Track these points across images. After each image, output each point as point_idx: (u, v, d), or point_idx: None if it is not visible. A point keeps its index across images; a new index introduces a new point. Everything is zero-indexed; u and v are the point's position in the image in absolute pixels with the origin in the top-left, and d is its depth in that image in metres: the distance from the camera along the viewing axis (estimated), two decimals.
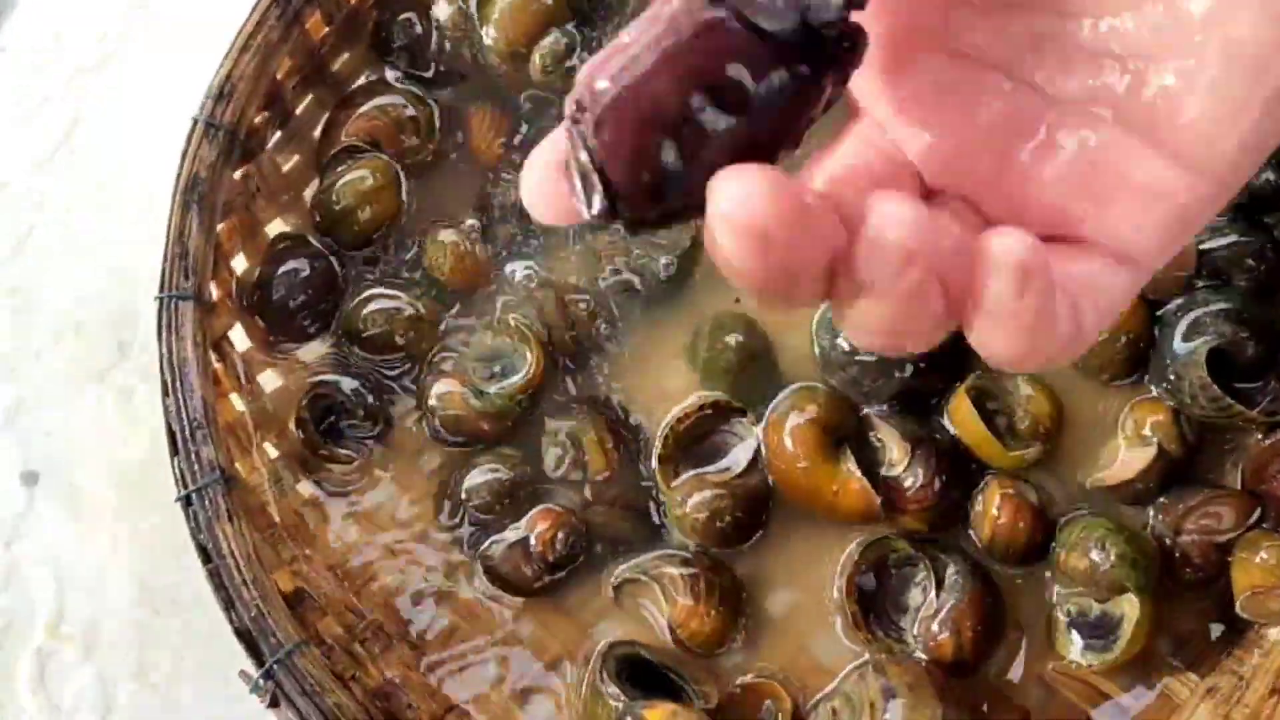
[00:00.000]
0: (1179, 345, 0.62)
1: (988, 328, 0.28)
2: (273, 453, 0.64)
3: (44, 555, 0.69)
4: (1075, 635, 0.60)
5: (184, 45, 0.74)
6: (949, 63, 0.31)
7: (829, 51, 0.27)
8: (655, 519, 0.63)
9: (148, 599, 0.68)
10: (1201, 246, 0.63)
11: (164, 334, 0.58)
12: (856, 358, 0.62)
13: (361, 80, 0.69)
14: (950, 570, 0.60)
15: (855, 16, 0.28)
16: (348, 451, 0.65)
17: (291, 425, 0.64)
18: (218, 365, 0.62)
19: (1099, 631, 0.60)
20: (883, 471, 0.62)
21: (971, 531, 0.62)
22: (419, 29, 0.68)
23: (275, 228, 0.67)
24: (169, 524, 0.57)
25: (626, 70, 0.27)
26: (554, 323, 0.64)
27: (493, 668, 0.62)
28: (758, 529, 0.63)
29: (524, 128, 0.68)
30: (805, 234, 0.26)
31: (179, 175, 0.59)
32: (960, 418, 0.62)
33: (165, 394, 0.57)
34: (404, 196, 0.67)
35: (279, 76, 0.64)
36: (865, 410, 0.63)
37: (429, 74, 0.68)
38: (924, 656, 0.60)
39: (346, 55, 0.68)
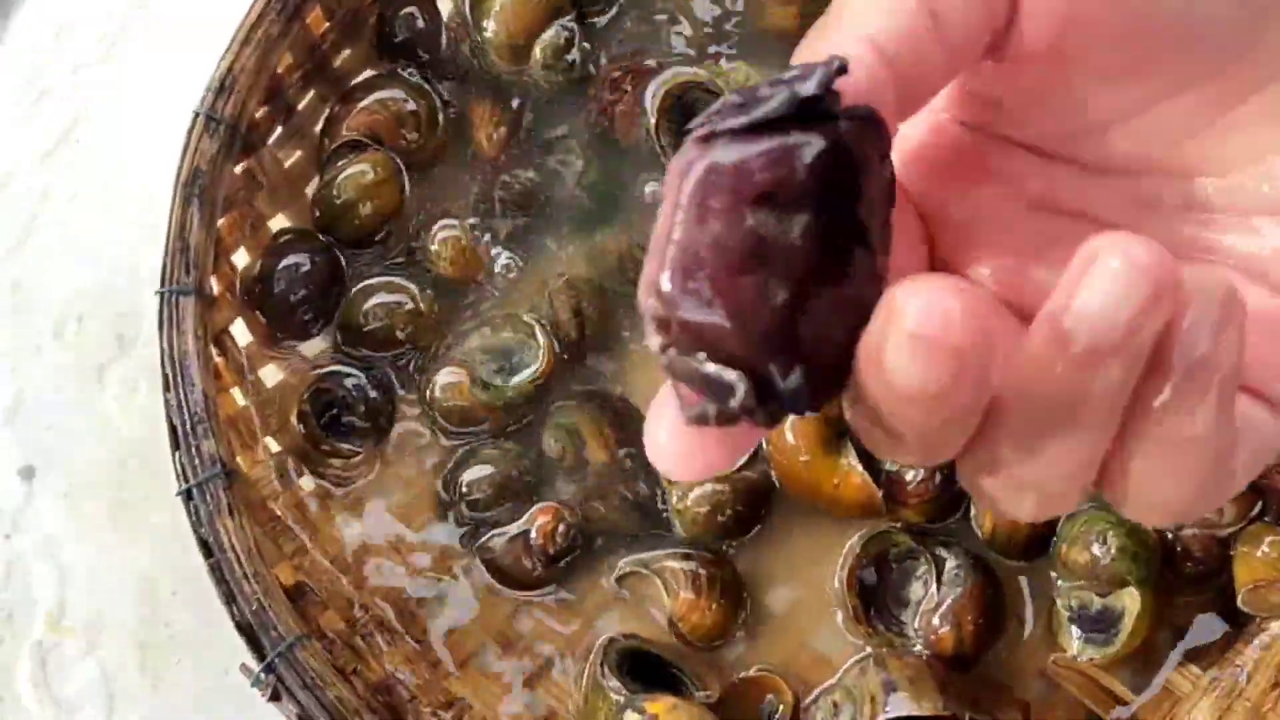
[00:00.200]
0: None
1: (1173, 405, 0.24)
2: (274, 447, 0.64)
3: (44, 549, 0.69)
4: (1076, 629, 0.60)
5: (185, 42, 0.74)
6: (1050, 217, 0.30)
7: (838, 118, 0.25)
8: (656, 512, 0.63)
9: (149, 593, 0.68)
10: None
11: (165, 329, 0.58)
12: None
13: (363, 75, 0.69)
14: (951, 564, 0.60)
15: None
16: (349, 446, 0.65)
17: (293, 419, 0.64)
18: (219, 360, 0.62)
19: (1100, 625, 0.60)
20: (884, 465, 0.62)
21: (973, 525, 0.62)
22: (420, 24, 0.68)
23: (277, 222, 0.67)
24: (170, 518, 0.57)
25: (676, 252, 0.24)
26: (558, 316, 0.64)
27: (493, 661, 0.62)
28: (759, 522, 0.63)
29: (525, 121, 0.68)
30: (993, 354, 0.23)
31: (179, 169, 0.59)
32: None
33: (166, 388, 0.57)
34: (405, 191, 0.67)
35: (280, 71, 0.64)
36: None
37: (430, 69, 0.68)
38: (925, 650, 0.60)
39: (348, 50, 0.68)
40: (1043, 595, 0.62)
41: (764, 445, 0.63)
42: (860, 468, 0.60)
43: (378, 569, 0.64)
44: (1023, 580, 0.62)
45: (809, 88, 0.25)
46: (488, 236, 0.66)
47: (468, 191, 0.67)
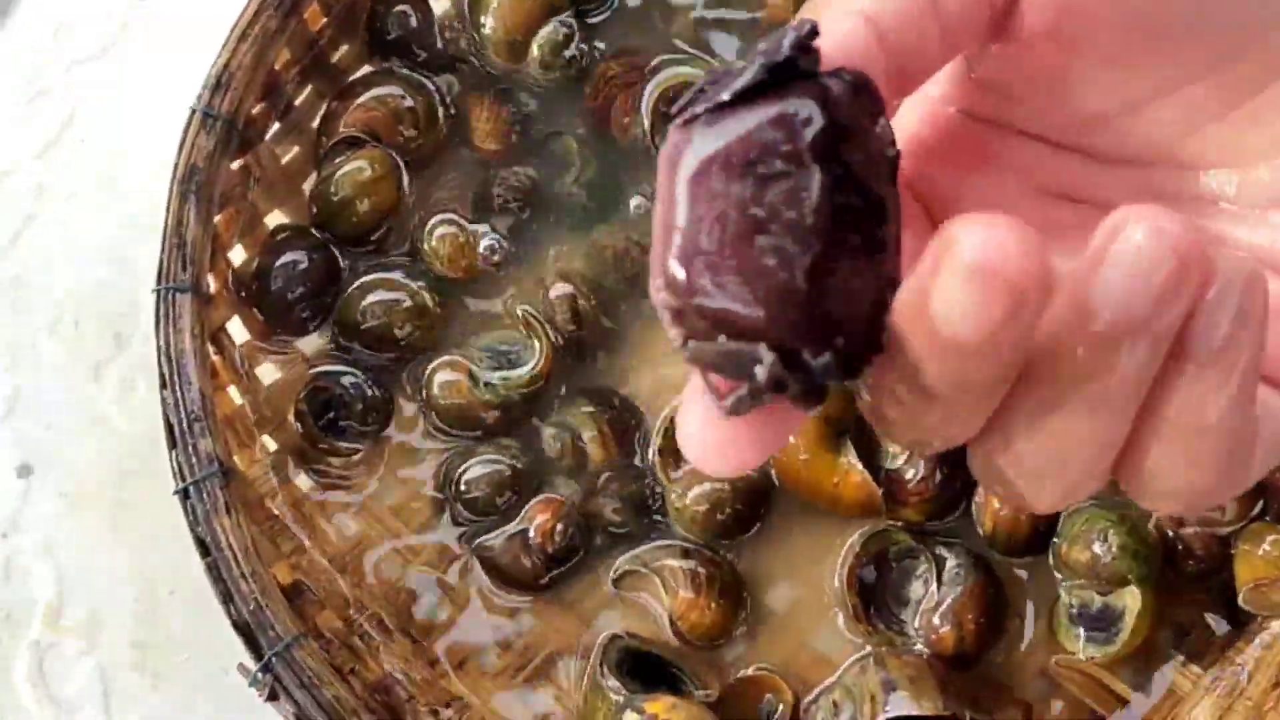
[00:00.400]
0: None
1: (1191, 384, 0.23)
2: (271, 445, 0.63)
3: (42, 548, 0.69)
4: (1077, 627, 0.60)
5: (183, 39, 0.74)
6: (1060, 204, 0.30)
7: (819, 78, 0.25)
8: (655, 511, 0.63)
9: (147, 591, 0.68)
10: None
11: (161, 326, 0.57)
12: None
13: (360, 71, 0.69)
14: (951, 563, 0.60)
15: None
16: (346, 444, 0.65)
17: (290, 418, 0.64)
18: (216, 358, 0.61)
19: (1101, 624, 0.60)
20: (884, 463, 0.62)
21: (974, 523, 0.62)
22: (416, 20, 0.68)
23: (274, 219, 0.67)
24: (169, 517, 0.56)
25: (681, 239, 0.24)
26: (555, 314, 0.64)
27: (492, 660, 0.62)
28: (758, 521, 0.63)
29: (523, 118, 0.68)
30: (1047, 297, 0.22)
31: (176, 166, 0.59)
32: None
33: (163, 386, 0.57)
34: (403, 188, 0.66)
35: (277, 67, 0.63)
36: None
37: (427, 65, 0.68)
38: (925, 649, 0.60)
39: (345, 46, 0.68)
40: (1044, 594, 0.62)
41: None
42: (860, 466, 0.60)
43: (375, 568, 0.63)
44: (1023, 579, 0.62)
45: (782, 51, 0.24)
46: (484, 231, 0.66)
47: (465, 188, 0.67)
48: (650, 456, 0.63)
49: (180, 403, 0.56)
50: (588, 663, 0.60)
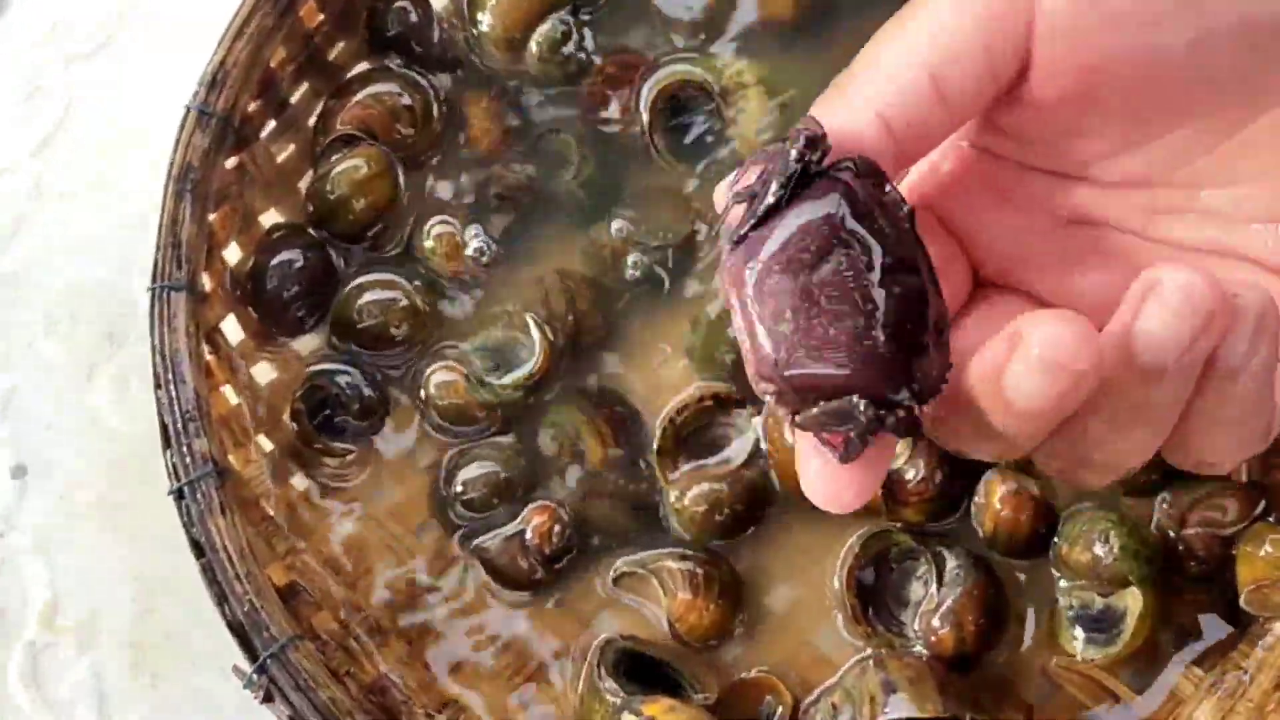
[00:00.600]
0: None
1: (1221, 394, 0.29)
2: (267, 445, 0.63)
3: (36, 548, 0.69)
4: (1078, 629, 0.60)
5: (179, 37, 0.74)
6: (1077, 229, 0.34)
7: (830, 173, 0.30)
8: (654, 511, 0.63)
9: (142, 592, 0.68)
10: None
11: (156, 325, 0.57)
12: None
13: (357, 69, 0.68)
14: (951, 564, 0.60)
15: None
16: (343, 444, 0.64)
17: (286, 418, 0.63)
18: (210, 357, 0.61)
19: (1102, 625, 0.60)
20: None
21: (973, 524, 0.62)
22: (412, 17, 0.68)
23: (269, 217, 0.66)
24: (164, 517, 0.56)
25: (766, 337, 0.30)
26: (553, 312, 0.64)
27: (489, 662, 0.62)
28: (757, 521, 0.62)
29: (521, 115, 0.67)
30: (1102, 372, 0.27)
31: (171, 164, 0.59)
32: None
33: (157, 386, 0.56)
34: (399, 186, 0.66)
35: (273, 64, 0.63)
36: None
37: (425, 62, 0.68)
38: (925, 651, 0.59)
39: (341, 43, 0.68)
40: (1044, 595, 0.61)
41: (762, 444, 0.62)
42: None
43: (371, 569, 0.63)
44: (1024, 580, 0.62)
45: (791, 165, 0.30)
46: (474, 233, 0.65)
47: (462, 186, 0.67)
48: (649, 456, 0.63)
49: (175, 402, 0.56)
50: (585, 664, 0.60)
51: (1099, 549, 0.59)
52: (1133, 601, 0.59)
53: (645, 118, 0.65)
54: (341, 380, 0.64)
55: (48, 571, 0.68)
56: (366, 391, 0.64)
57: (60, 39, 0.77)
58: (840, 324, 0.29)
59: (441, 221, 0.66)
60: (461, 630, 0.62)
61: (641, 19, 0.68)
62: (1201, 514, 0.60)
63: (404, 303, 0.64)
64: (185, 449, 0.56)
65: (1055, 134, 0.33)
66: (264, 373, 0.65)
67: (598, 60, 0.67)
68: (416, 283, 0.65)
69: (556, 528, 0.61)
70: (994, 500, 0.61)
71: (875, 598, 0.61)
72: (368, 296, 0.65)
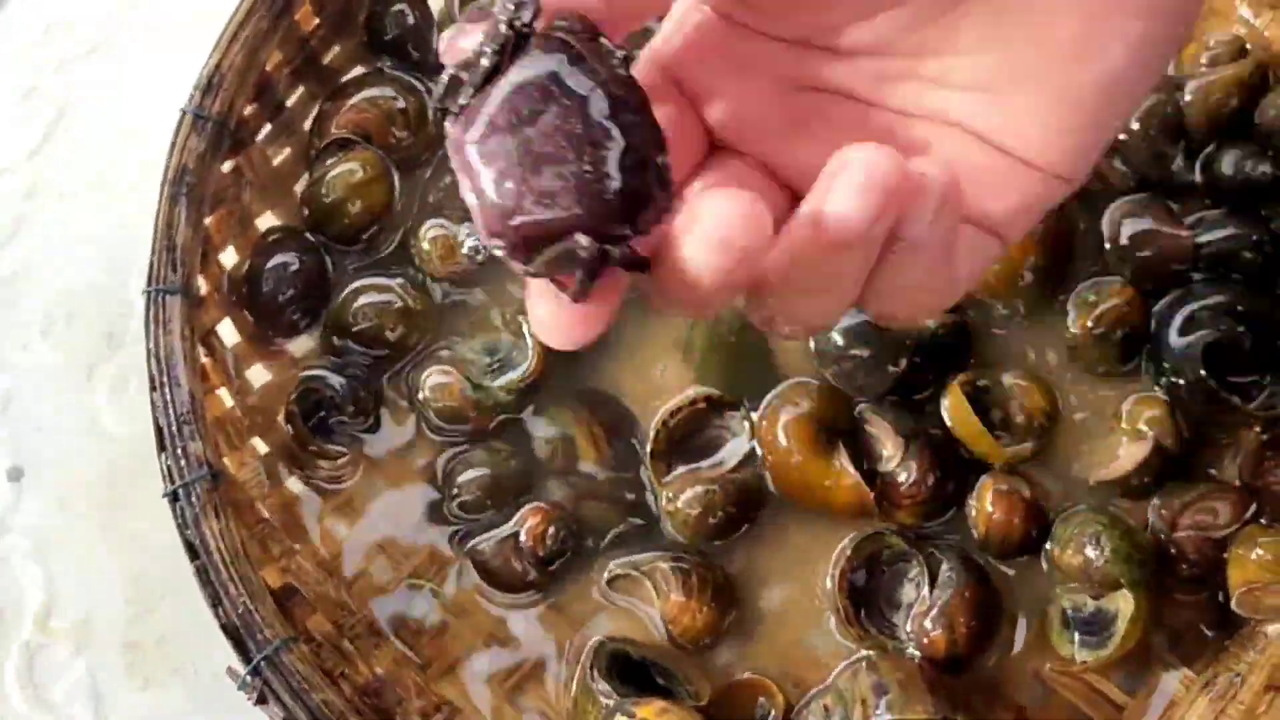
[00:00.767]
0: (1175, 340, 0.61)
1: (900, 262, 0.31)
2: (262, 448, 0.63)
3: (32, 549, 0.69)
4: (1070, 631, 0.60)
5: (175, 39, 0.74)
6: (808, 96, 0.36)
7: (544, 36, 0.31)
8: (647, 514, 0.63)
9: (138, 594, 0.68)
10: (1198, 240, 0.63)
11: (151, 328, 0.57)
12: (850, 352, 0.61)
13: (352, 72, 0.68)
14: (944, 566, 0.60)
15: None
16: (337, 447, 0.64)
17: (281, 420, 0.63)
18: (206, 360, 0.61)
19: (1094, 627, 0.60)
20: (876, 466, 0.61)
21: (966, 527, 0.62)
22: (410, 20, 0.68)
23: (265, 220, 0.67)
24: (160, 519, 0.56)
25: (494, 193, 0.31)
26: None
27: (483, 664, 0.62)
28: (750, 524, 0.62)
29: None
30: (765, 249, 0.30)
31: (166, 167, 0.59)
32: (954, 413, 0.62)
33: (153, 389, 0.56)
34: (395, 189, 0.66)
35: (268, 68, 0.63)
36: (859, 404, 0.63)
37: (421, 65, 0.68)
38: (917, 653, 0.59)
39: (337, 47, 0.68)
40: (1036, 598, 0.61)
41: (756, 447, 0.62)
42: (852, 469, 0.60)
43: (366, 571, 0.63)
44: (1016, 582, 0.62)
45: (501, 31, 0.31)
46: (467, 232, 0.65)
47: (457, 190, 0.67)
48: (642, 459, 0.63)
49: (170, 405, 0.56)
50: (578, 666, 0.60)
51: (1091, 552, 0.59)
52: (1124, 604, 0.59)
53: None
54: (335, 383, 0.64)
55: (44, 573, 0.68)
56: (361, 394, 0.64)
57: (57, 40, 0.78)
58: (562, 171, 0.30)
59: (436, 225, 0.66)
60: (455, 632, 0.62)
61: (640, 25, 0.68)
62: (1193, 516, 0.61)
63: (399, 305, 0.65)
64: (180, 452, 0.56)
65: (791, 3, 0.35)
66: (259, 375, 0.65)
67: None
68: (412, 286, 0.65)
69: (551, 529, 0.61)
70: (986, 503, 0.61)
71: (867, 600, 0.61)
72: (363, 299, 0.65)
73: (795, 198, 0.34)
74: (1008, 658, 0.61)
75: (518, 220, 0.30)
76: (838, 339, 0.62)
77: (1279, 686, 0.57)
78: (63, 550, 0.69)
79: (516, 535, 0.62)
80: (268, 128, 0.66)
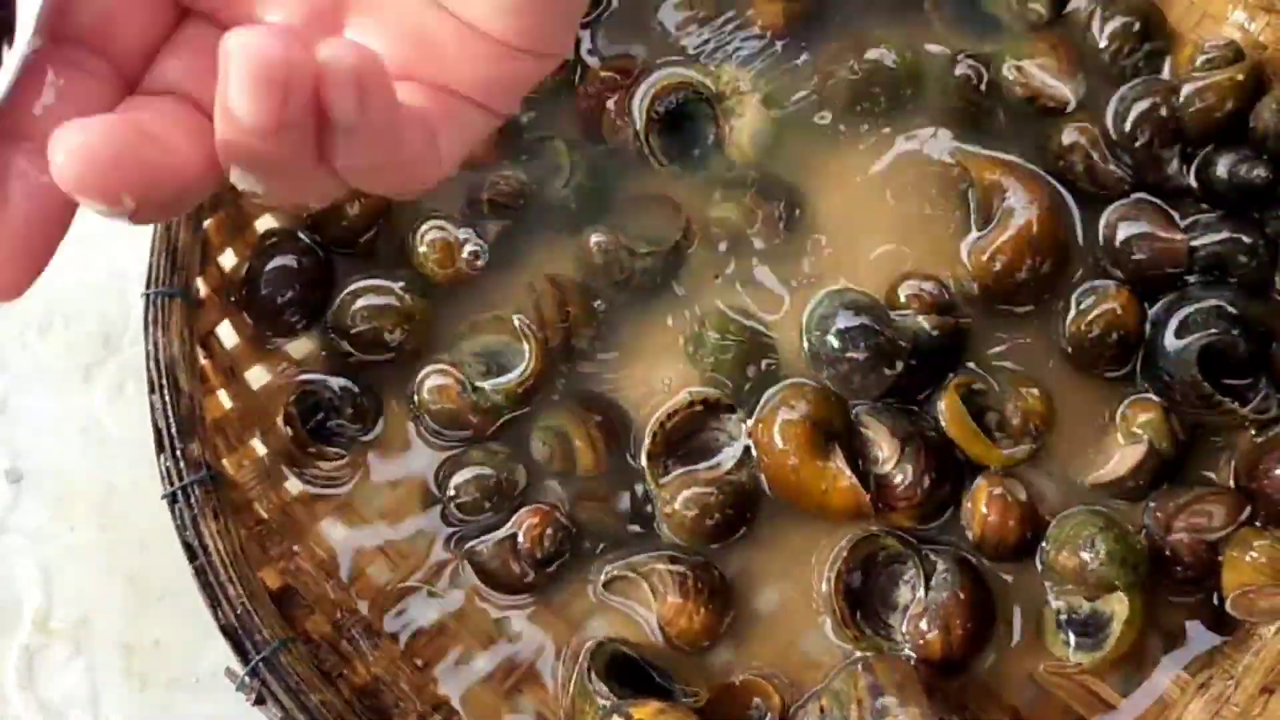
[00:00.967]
0: (1170, 343, 0.61)
1: (344, 147, 0.29)
2: (260, 450, 0.63)
3: (31, 550, 0.69)
4: (1066, 633, 0.60)
5: None
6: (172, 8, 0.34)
7: None
8: (644, 516, 0.63)
9: (136, 595, 0.68)
10: (1194, 243, 0.63)
11: (151, 330, 0.57)
12: (847, 354, 0.62)
13: None
14: (939, 568, 0.60)
15: None
16: (336, 449, 0.64)
17: (279, 422, 0.63)
18: (205, 362, 0.61)
19: (1089, 629, 0.60)
20: (872, 468, 0.62)
21: (962, 529, 0.62)
22: None
23: (264, 223, 0.67)
24: (158, 520, 0.56)
25: None
26: (544, 317, 0.64)
27: (480, 665, 0.62)
28: (747, 526, 0.63)
29: (514, 121, 0.68)
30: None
31: None
32: (949, 417, 0.62)
33: (151, 390, 0.57)
34: None
35: None
36: (855, 407, 0.63)
37: None
38: (912, 654, 0.60)
39: None
40: (1032, 600, 0.62)
41: (753, 449, 0.62)
42: (848, 472, 0.60)
43: (364, 572, 0.63)
44: (1011, 584, 0.62)
45: None
46: (467, 236, 0.66)
47: (455, 192, 0.67)
48: (640, 461, 0.63)
49: (168, 407, 0.56)
50: (575, 668, 0.60)
51: (1086, 554, 0.59)
52: (1119, 606, 0.59)
53: (639, 122, 0.65)
54: (335, 385, 0.64)
55: (42, 575, 0.68)
56: (359, 396, 0.64)
57: None
58: None
59: (435, 227, 0.66)
60: (453, 633, 0.63)
61: (635, 25, 0.68)
62: (1188, 519, 0.61)
63: (397, 307, 0.65)
64: (179, 453, 0.56)
65: None
66: (258, 377, 0.65)
67: (591, 66, 0.67)
68: (410, 288, 0.65)
69: (548, 531, 0.62)
70: (981, 505, 0.61)
71: (863, 601, 0.61)
72: (361, 302, 0.65)
73: None
74: (1003, 659, 0.61)
75: None
76: (834, 341, 0.62)
77: (1273, 689, 0.57)
78: (61, 551, 0.69)
79: (514, 537, 0.62)
80: None
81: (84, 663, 0.67)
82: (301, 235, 0.66)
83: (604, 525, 0.63)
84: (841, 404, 0.63)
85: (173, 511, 0.55)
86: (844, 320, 0.62)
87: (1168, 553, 0.61)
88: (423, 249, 0.65)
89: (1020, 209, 0.63)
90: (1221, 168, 0.63)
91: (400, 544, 0.64)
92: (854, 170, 0.67)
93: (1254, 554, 0.59)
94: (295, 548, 0.62)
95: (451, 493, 0.63)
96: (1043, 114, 0.66)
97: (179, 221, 0.59)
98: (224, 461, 0.60)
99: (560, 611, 0.63)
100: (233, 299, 0.65)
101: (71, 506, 0.69)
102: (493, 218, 0.66)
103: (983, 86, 0.66)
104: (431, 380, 0.64)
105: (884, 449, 0.61)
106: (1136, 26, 0.66)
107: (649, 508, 0.63)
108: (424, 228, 0.66)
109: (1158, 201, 0.65)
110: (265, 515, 0.62)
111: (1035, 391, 0.63)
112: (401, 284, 0.65)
